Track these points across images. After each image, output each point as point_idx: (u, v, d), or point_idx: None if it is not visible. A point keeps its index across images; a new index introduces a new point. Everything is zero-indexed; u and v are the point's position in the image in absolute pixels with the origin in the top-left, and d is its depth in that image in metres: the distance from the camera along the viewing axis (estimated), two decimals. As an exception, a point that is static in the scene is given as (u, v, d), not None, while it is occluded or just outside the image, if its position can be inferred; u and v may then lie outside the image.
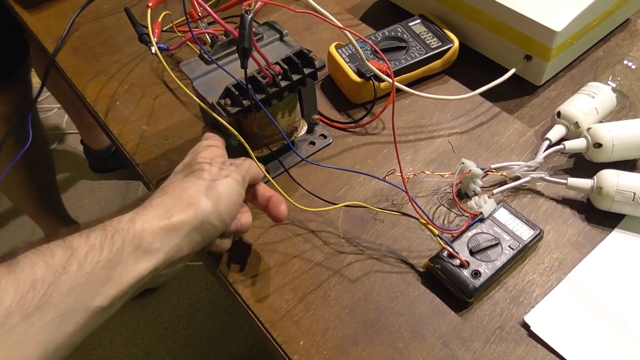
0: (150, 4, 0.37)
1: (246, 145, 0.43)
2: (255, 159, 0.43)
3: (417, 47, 0.58)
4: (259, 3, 0.44)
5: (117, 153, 1.46)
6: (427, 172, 0.50)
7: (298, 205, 0.44)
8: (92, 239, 0.32)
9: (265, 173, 0.43)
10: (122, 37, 0.68)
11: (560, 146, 0.49)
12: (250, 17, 0.35)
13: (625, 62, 0.53)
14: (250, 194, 0.43)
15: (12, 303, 0.29)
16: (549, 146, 0.49)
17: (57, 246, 0.32)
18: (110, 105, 0.60)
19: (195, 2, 0.38)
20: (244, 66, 0.37)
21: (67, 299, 0.30)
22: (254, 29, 0.49)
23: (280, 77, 0.45)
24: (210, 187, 0.38)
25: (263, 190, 0.44)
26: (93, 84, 0.63)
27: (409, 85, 0.57)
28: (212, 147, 0.43)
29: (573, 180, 0.46)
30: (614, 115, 0.53)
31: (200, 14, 0.48)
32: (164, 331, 1.27)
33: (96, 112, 0.60)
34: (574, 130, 0.50)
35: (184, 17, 0.44)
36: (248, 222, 0.43)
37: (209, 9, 0.38)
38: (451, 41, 0.58)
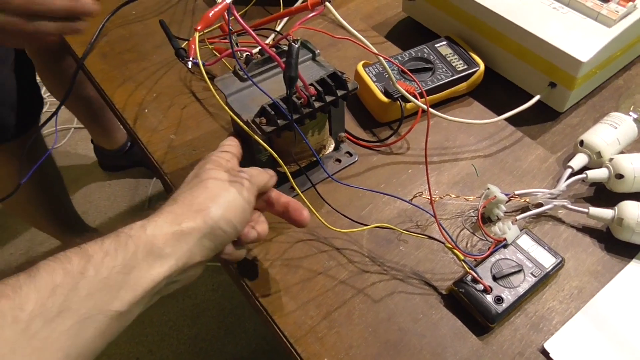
0: (199, 28, 0.38)
1: (279, 160, 0.44)
2: (287, 170, 0.44)
3: (444, 69, 0.59)
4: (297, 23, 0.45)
5: (130, 151, 1.47)
6: (452, 195, 0.51)
7: (327, 225, 0.45)
8: (106, 246, 0.34)
9: (292, 182, 0.43)
10: (150, 45, 0.69)
11: (583, 175, 0.50)
12: (297, 46, 0.36)
13: (648, 94, 0.54)
14: (264, 201, 0.45)
15: (34, 309, 0.29)
16: (571, 174, 0.50)
17: (73, 253, 0.33)
18: (139, 113, 0.61)
19: (239, 20, 0.39)
20: (290, 95, 0.38)
21: (86, 304, 0.31)
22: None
23: (314, 98, 0.46)
24: (218, 194, 0.39)
25: (277, 196, 0.45)
26: (121, 91, 0.64)
27: (434, 106, 0.58)
28: (224, 153, 0.44)
29: (594, 210, 0.48)
30: (634, 145, 0.54)
31: (231, 27, 0.49)
32: (169, 330, 1.28)
33: (124, 118, 0.61)
34: (595, 160, 0.51)
35: (216, 29, 0.45)
36: (264, 231, 0.44)
37: (256, 36, 0.39)
38: (477, 64, 0.59)
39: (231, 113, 0.43)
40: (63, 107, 0.64)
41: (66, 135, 1.68)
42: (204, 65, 0.47)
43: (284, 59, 0.41)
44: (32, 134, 0.91)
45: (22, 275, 0.31)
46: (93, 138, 1.48)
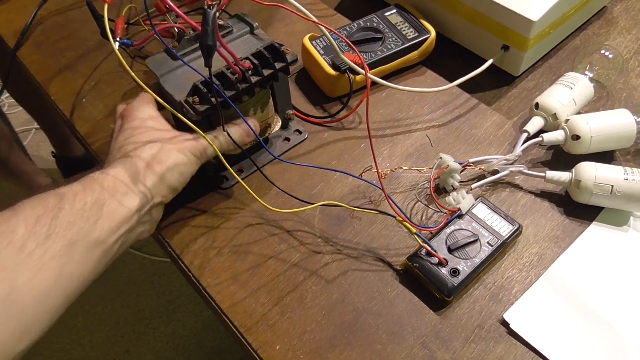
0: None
1: (215, 147, 0.41)
2: (221, 156, 0.41)
3: (394, 38, 0.56)
4: (226, -5, 0.42)
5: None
6: (405, 168, 0.48)
7: (270, 208, 0.43)
8: (74, 187, 0.37)
9: (233, 173, 0.41)
10: (87, 31, 0.65)
11: (539, 139, 0.48)
12: (213, 12, 0.33)
13: (602, 51, 0.52)
14: None
15: (25, 233, 0.33)
16: (527, 138, 0.49)
17: (48, 194, 0.36)
18: (77, 103, 0.58)
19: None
20: (208, 64, 0.35)
21: (69, 231, 0.35)
22: (222, 22, 0.48)
23: (250, 72, 0.43)
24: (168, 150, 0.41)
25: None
26: (57, 81, 0.60)
27: (386, 77, 0.56)
28: (148, 111, 0.45)
29: (551, 174, 0.46)
30: (592, 105, 0.52)
31: (167, 6, 0.46)
32: (145, 328, 1.25)
33: (61, 110, 0.57)
34: (552, 122, 0.49)
35: (152, 10, 0.42)
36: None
37: (170, 2, 0.36)
38: (428, 32, 0.57)
39: (156, 96, 0.40)
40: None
41: (27, 137, 1.62)
42: (131, 44, 0.44)
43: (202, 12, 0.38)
44: None
45: (6, 211, 0.34)
46: (55, 146, 1.42)
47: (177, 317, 1.26)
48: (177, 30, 0.46)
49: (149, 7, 0.39)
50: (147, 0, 0.38)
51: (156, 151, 0.41)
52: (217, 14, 0.33)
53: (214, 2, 0.33)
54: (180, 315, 1.26)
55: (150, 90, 0.40)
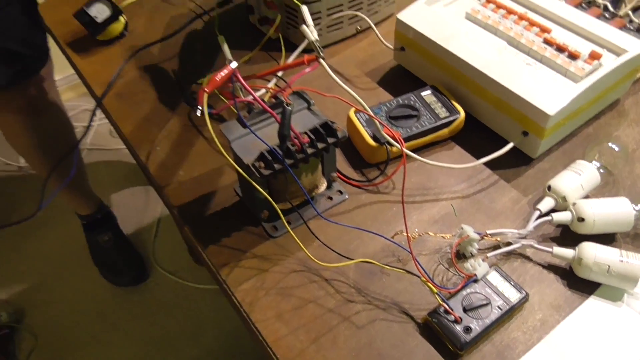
0: (207, 90, 0.44)
1: (272, 201, 0.50)
2: (278, 209, 0.50)
3: (427, 116, 0.65)
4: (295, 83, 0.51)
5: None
6: (431, 234, 0.56)
7: (314, 259, 0.51)
8: None
9: (286, 224, 0.49)
10: (160, 87, 0.76)
11: (549, 217, 0.55)
12: (290, 110, 0.42)
13: (610, 144, 0.60)
14: None
15: None
16: (539, 216, 0.56)
17: None
18: (150, 149, 0.67)
19: (242, 83, 0.46)
20: (282, 149, 0.44)
21: None
22: (287, 98, 0.57)
23: (307, 145, 0.52)
24: None
25: None
26: (136, 129, 0.70)
27: (419, 149, 0.64)
28: None
29: (558, 250, 0.53)
30: (599, 190, 0.60)
31: (236, 82, 0.55)
32: (170, 349, 1.33)
33: (138, 154, 0.67)
34: (561, 203, 0.57)
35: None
36: None
37: (254, 93, 0.45)
38: (458, 112, 0.65)
39: (229, 159, 0.49)
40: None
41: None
42: (210, 115, 0.53)
43: (279, 112, 0.47)
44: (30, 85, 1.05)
45: None
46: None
47: (202, 341, 1.33)
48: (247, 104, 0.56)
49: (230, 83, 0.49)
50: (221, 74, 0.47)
51: None
52: (291, 109, 0.42)
53: (290, 103, 0.41)
54: (205, 340, 1.33)
55: (223, 151, 0.49)
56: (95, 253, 1.49)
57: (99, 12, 0.80)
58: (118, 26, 0.81)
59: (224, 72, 0.46)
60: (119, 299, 1.44)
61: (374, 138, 0.62)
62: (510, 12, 0.69)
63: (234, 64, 0.46)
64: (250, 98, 0.52)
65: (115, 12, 0.80)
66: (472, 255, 0.54)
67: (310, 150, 0.52)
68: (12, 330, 1.36)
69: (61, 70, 1.50)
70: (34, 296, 1.45)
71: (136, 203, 1.65)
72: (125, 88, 0.76)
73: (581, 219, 0.54)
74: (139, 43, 0.80)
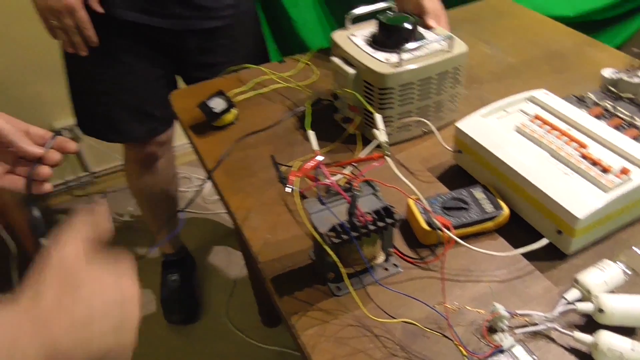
0: (299, 175, 0.60)
1: (340, 265, 0.63)
2: (345, 274, 0.63)
3: (476, 210, 0.77)
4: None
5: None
6: (468, 308, 0.67)
7: (370, 316, 0.63)
8: None
9: (349, 285, 0.62)
10: (259, 166, 0.94)
11: (574, 306, 0.64)
12: (358, 195, 0.56)
13: (634, 248, 0.68)
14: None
15: None
16: (566, 304, 0.65)
17: None
18: (246, 215, 0.84)
19: (325, 173, 0.61)
20: (350, 222, 0.58)
21: None
22: (356, 185, 0.72)
23: (370, 223, 0.66)
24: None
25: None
26: (236, 198, 0.87)
27: (466, 236, 0.76)
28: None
29: (579, 334, 0.61)
30: (626, 288, 0.68)
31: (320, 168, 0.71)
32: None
33: (236, 218, 0.84)
34: (586, 295, 0.65)
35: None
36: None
37: (332, 180, 0.60)
38: (502, 209, 0.77)
39: (310, 227, 0.64)
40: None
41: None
42: (299, 192, 0.69)
43: (351, 194, 0.62)
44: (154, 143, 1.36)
45: None
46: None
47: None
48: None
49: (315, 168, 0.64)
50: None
51: None
52: (359, 195, 0.56)
53: (359, 190, 0.56)
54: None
55: (307, 221, 0.63)
56: (162, 289, 1.70)
57: (217, 104, 1.01)
58: (230, 116, 1.02)
59: (312, 163, 0.61)
60: (187, 348, 1.59)
61: (428, 224, 0.75)
62: (554, 128, 0.82)
63: (320, 157, 0.62)
64: (328, 182, 0.67)
65: (229, 105, 1.01)
66: (502, 330, 0.64)
67: (371, 227, 0.66)
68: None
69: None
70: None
71: (219, 262, 1.84)
72: (231, 165, 0.94)
73: (601, 310, 0.62)
74: (246, 130, 1.00)
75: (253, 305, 1.63)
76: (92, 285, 0.42)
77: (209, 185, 0.97)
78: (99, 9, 1.10)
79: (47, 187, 0.65)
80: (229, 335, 1.60)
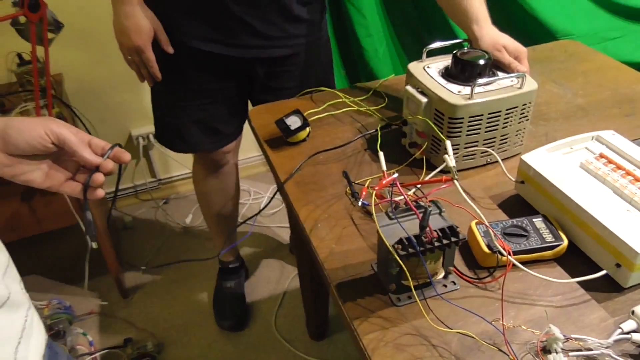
0: (377, 189, 0.67)
1: (407, 273, 0.68)
2: (412, 284, 0.68)
3: (535, 238, 0.80)
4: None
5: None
6: (524, 327, 0.70)
7: (433, 325, 0.67)
8: None
9: (415, 295, 0.67)
10: (328, 181, 1.00)
11: (629, 336, 0.66)
12: (430, 210, 0.62)
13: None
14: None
15: None
16: (621, 333, 0.67)
17: None
18: (314, 225, 0.90)
19: (400, 189, 0.67)
20: (420, 235, 0.63)
21: None
22: (423, 204, 0.77)
23: (435, 239, 0.71)
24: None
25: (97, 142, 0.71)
26: (305, 209, 0.94)
27: (524, 263, 0.79)
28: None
29: (633, 363, 0.64)
30: (683, 325, 0.69)
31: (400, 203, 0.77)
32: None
33: (304, 227, 0.90)
34: (643, 327, 0.67)
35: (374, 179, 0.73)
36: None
37: (406, 196, 0.66)
38: (562, 240, 0.80)
39: (383, 237, 0.70)
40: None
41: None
42: (367, 205, 0.75)
43: (421, 211, 0.67)
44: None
45: None
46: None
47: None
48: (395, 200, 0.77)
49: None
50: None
51: None
52: (431, 210, 0.62)
53: (431, 207, 0.61)
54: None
55: (381, 232, 0.69)
56: (216, 294, 1.78)
57: (293, 122, 1.09)
58: (304, 133, 1.09)
59: (387, 180, 0.68)
60: (235, 354, 1.65)
61: (488, 247, 0.79)
62: (619, 167, 0.84)
63: (395, 175, 0.68)
64: (398, 199, 0.73)
65: (304, 124, 1.09)
66: (556, 352, 0.67)
67: (437, 244, 0.71)
68: (153, 359, 1.63)
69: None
70: (173, 335, 1.72)
71: (270, 273, 1.91)
72: (302, 178, 1.01)
73: (657, 342, 0.64)
74: (317, 148, 1.07)
75: (301, 317, 1.68)
76: None
77: (265, 200, 1.04)
78: (169, 50, 1.28)
79: (100, 193, 0.71)
80: (276, 344, 1.66)
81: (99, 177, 0.70)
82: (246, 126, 1.57)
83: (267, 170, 2.39)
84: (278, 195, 1.06)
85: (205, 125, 1.42)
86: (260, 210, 1.07)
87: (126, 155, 0.72)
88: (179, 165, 2.30)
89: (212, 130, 1.44)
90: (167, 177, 2.35)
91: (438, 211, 0.77)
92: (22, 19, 1.37)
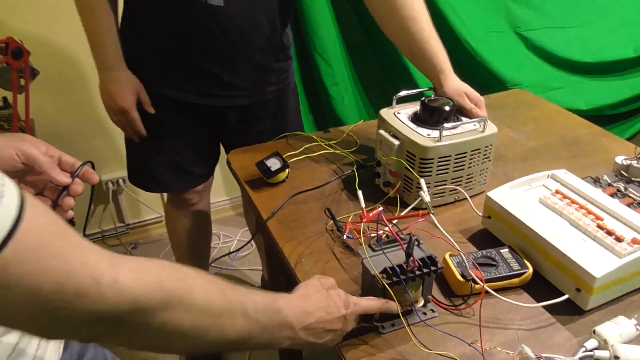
0: (364, 220, 0.73)
1: (394, 296, 0.74)
2: (399, 307, 0.73)
3: (504, 267, 0.88)
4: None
5: None
6: (499, 349, 0.76)
7: (419, 346, 0.72)
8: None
9: (404, 321, 0.72)
10: (309, 218, 1.06)
11: (592, 353, 0.73)
12: (415, 240, 0.68)
13: (645, 307, 0.78)
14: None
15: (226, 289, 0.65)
16: (585, 352, 0.74)
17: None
18: (298, 261, 0.95)
19: (385, 221, 0.73)
20: (407, 262, 0.69)
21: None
22: (403, 236, 0.84)
23: (417, 268, 0.77)
24: None
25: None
26: (288, 245, 0.99)
27: (495, 290, 0.86)
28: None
29: (597, 377, 0.70)
30: (635, 341, 0.77)
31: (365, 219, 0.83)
32: None
33: (289, 263, 0.95)
34: (603, 345, 0.75)
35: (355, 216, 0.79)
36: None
37: (394, 233, 0.72)
38: (527, 268, 0.87)
39: (371, 265, 0.75)
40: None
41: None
42: (350, 238, 0.80)
43: (405, 242, 0.74)
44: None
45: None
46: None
47: None
48: (376, 234, 0.83)
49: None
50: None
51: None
52: (416, 238, 0.68)
53: (415, 236, 0.68)
54: None
55: (371, 265, 0.75)
56: None
57: (273, 163, 1.15)
58: (284, 175, 1.15)
59: (375, 212, 0.74)
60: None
61: (462, 275, 0.85)
62: (573, 202, 0.94)
63: (381, 209, 0.74)
64: (380, 233, 0.79)
65: (284, 165, 1.15)
66: (529, 370, 0.73)
67: (418, 272, 0.77)
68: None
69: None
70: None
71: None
72: (284, 217, 1.07)
73: (617, 357, 0.72)
74: (296, 188, 1.13)
75: (274, 355, 1.68)
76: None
77: (235, 243, 1.08)
78: (151, 110, 1.36)
79: (70, 213, 0.73)
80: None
81: (69, 200, 0.72)
82: (216, 170, 1.63)
83: (235, 214, 2.42)
84: (247, 238, 1.11)
85: (177, 167, 1.47)
86: (235, 251, 1.11)
87: (95, 177, 0.75)
88: (148, 209, 2.31)
89: (183, 171, 1.49)
90: (136, 221, 2.34)
91: (417, 243, 0.83)
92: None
